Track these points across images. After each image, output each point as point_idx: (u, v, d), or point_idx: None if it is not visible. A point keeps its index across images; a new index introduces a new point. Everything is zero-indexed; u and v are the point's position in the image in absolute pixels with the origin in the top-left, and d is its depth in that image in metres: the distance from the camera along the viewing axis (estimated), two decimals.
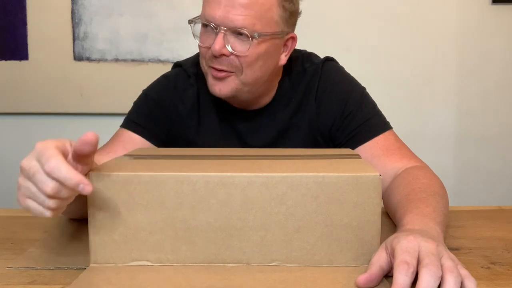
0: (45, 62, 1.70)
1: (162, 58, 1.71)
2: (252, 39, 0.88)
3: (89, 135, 0.55)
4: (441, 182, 0.82)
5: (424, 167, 0.88)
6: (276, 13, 0.90)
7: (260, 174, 0.61)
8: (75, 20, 1.69)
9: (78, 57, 1.71)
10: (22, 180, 0.57)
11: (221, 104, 1.02)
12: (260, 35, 0.89)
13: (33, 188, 0.56)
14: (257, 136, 1.01)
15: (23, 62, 1.71)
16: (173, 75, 1.07)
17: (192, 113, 1.03)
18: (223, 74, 0.91)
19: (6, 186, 1.75)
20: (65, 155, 0.56)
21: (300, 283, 0.59)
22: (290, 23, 0.94)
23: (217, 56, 0.89)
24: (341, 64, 1.11)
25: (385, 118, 1.01)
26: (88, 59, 1.71)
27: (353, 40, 1.69)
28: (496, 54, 1.73)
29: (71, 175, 0.53)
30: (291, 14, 0.94)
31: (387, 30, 1.70)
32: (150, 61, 1.71)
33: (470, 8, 1.70)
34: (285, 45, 0.96)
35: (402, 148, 0.94)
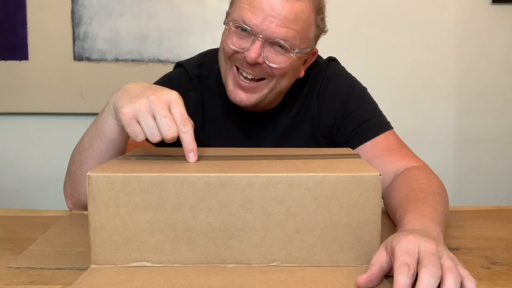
0: (45, 62, 1.70)
1: (162, 58, 1.71)
2: (291, 53, 0.87)
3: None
4: (441, 183, 0.82)
5: (424, 167, 0.88)
6: (312, 31, 0.91)
7: (260, 174, 0.61)
8: (75, 20, 1.69)
9: (78, 57, 1.71)
10: (147, 111, 0.67)
11: (228, 107, 1.00)
12: (299, 51, 0.89)
13: (153, 124, 0.67)
14: (264, 138, 1.01)
15: (23, 62, 1.70)
16: (175, 76, 1.05)
17: (195, 116, 1.00)
18: (252, 84, 0.90)
19: (6, 186, 1.75)
20: None
21: (300, 283, 0.59)
22: (317, 39, 0.95)
23: (250, 64, 0.87)
24: (341, 64, 1.11)
25: (386, 118, 1.02)
26: (88, 59, 1.71)
27: (353, 40, 1.69)
28: (496, 54, 1.73)
29: (192, 145, 0.68)
30: (321, 32, 0.95)
31: (387, 30, 1.70)
32: (150, 61, 1.71)
33: (470, 8, 1.70)
34: (306, 58, 0.97)
35: (403, 148, 0.94)
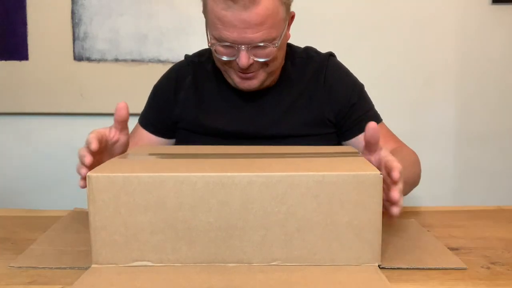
0: (45, 62, 1.70)
1: (162, 58, 1.71)
2: (274, 45, 0.95)
3: (121, 103, 0.78)
4: (417, 158, 1.03)
5: (407, 147, 1.07)
6: (281, 12, 0.95)
7: (260, 173, 0.62)
8: (75, 20, 1.69)
9: (78, 57, 1.71)
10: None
11: (223, 88, 1.08)
12: (279, 40, 0.95)
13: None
14: (262, 115, 1.07)
15: (23, 62, 1.70)
16: (176, 66, 1.16)
17: (189, 99, 1.10)
18: (251, 74, 0.99)
19: (6, 186, 1.75)
20: (102, 136, 0.75)
21: (301, 283, 0.59)
22: (289, 9, 1.00)
23: (245, 68, 0.95)
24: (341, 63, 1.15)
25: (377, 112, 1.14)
26: (88, 59, 1.71)
27: (353, 40, 1.69)
28: (496, 54, 1.73)
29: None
30: (289, 4, 0.98)
31: (387, 30, 1.70)
32: (150, 61, 1.71)
33: (470, 8, 1.70)
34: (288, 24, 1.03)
35: (393, 136, 1.10)
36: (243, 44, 0.93)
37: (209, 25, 0.96)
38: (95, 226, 0.62)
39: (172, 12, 1.68)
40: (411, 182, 0.93)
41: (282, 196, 0.62)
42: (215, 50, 0.97)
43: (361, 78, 1.14)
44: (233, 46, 0.94)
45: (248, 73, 0.98)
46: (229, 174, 0.62)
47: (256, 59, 0.95)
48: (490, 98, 1.75)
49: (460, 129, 1.76)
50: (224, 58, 0.97)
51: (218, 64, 1.03)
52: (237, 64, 0.96)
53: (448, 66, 1.73)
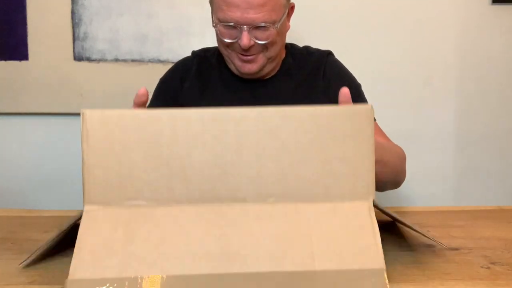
0: (45, 62, 1.70)
1: (162, 58, 1.71)
2: (274, 27, 1.01)
3: (141, 90, 0.81)
4: (403, 154, 1.06)
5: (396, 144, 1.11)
6: None
7: (254, 108, 0.63)
8: (75, 20, 1.69)
9: (78, 57, 1.70)
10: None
11: (225, 77, 1.14)
12: (279, 22, 1.02)
13: None
14: (262, 104, 1.09)
15: (23, 62, 1.70)
16: (182, 60, 1.23)
17: (195, 86, 1.15)
18: (253, 57, 1.05)
19: (6, 186, 1.75)
20: None
21: (296, 233, 0.59)
22: None
23: (246, 49, 1.02)
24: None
25: None
26: (88, 59, 1.71)
27: (353, 40, 1.69)
28: (496, 54, 1.73)
29: None
30: None
31: (387, 29, 1.70)
32: (150, 61, 1.71)
33: (470, 8, 1.70)
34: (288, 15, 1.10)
35: (384, 134, 1.14)
36: (245, 25, 0.99)
37: (214, 9, 1.04)
38: (88, 164, 0.61)
39: (172, 12, 1.68)
40: (392, 166, 0.97)
41: (275, 129, 0.62)
42: (219, 32, 1.04)
43: (361, 78, 1.15)
44: (236, 27, 1.00)
45: (249, 55, 1.04)
46: (223, 109, 0.63)
47: (256, 41, 1.02)
48: (490, 98, 1.75)
49: (460, 129, 1.76)
50: (227, 40, 1.03)
51: (221, 48, 1.09)
52: (239, 45, 1.02)
53: (448, 66, 1.73)
